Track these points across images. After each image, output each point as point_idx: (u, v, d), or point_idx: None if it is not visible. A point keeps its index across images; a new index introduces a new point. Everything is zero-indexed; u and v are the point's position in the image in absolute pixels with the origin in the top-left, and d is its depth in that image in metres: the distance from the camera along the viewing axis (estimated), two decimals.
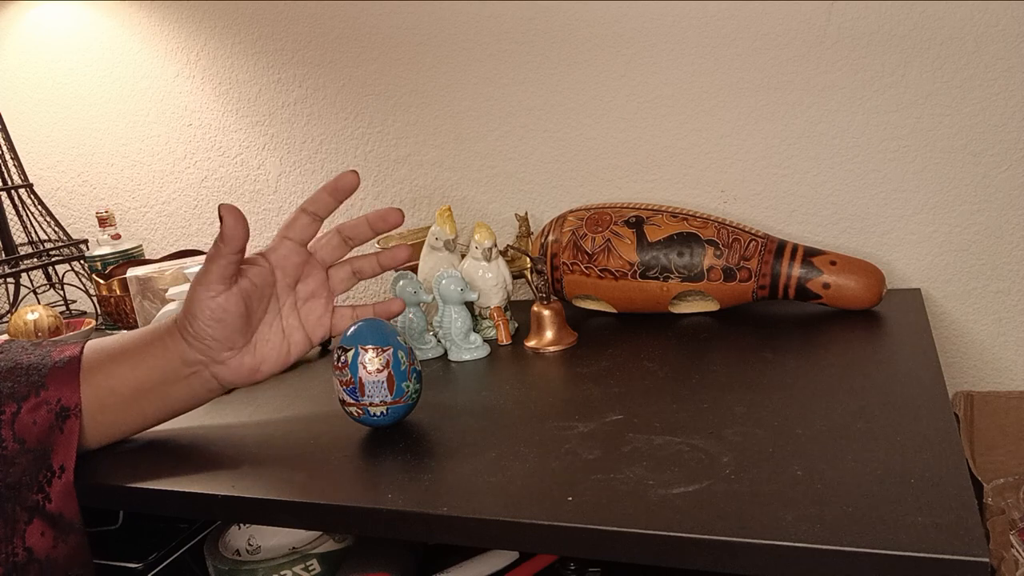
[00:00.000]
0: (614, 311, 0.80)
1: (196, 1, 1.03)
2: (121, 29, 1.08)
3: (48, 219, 1.13)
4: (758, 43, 0.81)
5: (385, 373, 0.55)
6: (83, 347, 0.59)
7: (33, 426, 0.55)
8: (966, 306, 0.81)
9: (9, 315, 1.04)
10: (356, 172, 0.58)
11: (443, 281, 0.72)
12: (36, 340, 0.61)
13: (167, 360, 0.58)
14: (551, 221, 0.80)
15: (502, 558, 0.70)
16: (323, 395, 0.68)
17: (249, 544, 0.74)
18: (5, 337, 0.98)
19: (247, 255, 0.58)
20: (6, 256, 1.09)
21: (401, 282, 0.73)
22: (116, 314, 0.98)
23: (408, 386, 0.56)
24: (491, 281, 0.76)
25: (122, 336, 0.60)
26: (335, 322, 0.62)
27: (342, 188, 0.58)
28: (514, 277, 0.84)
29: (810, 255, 0.72)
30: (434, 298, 0.74)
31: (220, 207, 0.54)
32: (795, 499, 0.41)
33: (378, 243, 0.91)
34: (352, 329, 0.57)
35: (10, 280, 1.11)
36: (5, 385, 0.55)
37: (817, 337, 0.67)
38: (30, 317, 0.96)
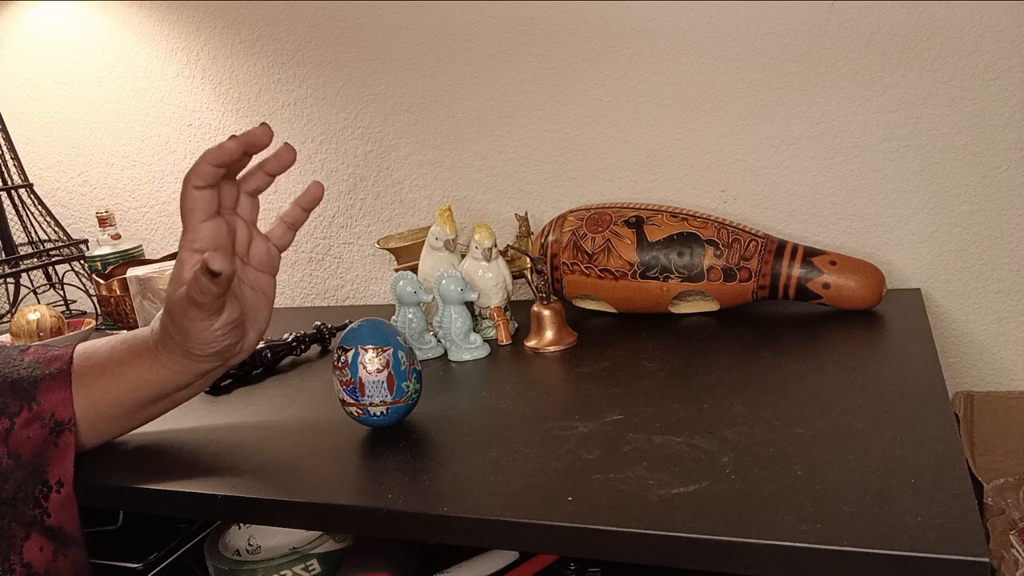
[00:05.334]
0: (614, 311, 0.79)
1: (196, 1, 1.03)
2: (121, 29, 1.08)
3: (48, 219, 1.13)
4: (758, 43, 0.81)
5: (385, 373, 0.55)
6: (71, 357, 0.57)
7: (27, 441, 0.54)
8: (966, 306, 0.81)
9: (9, 315, 1.04)
10: (267, 125, 0.52)
11: (443, 281, 0.72)
12: (23, 347, 0.60)
13: (178, 375, 0.56)
14: (551, 221, 0.80)
15: (502, 558, 0.70)
16: (323, 395, 0.68)
17: (249, 544, 0.74)
18: (6, 338, 0.98)
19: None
20: (6, 256, 1.09)
21: (401, 282, 0.73)
22: (116, 314, 0.98)
23: (408, 386, 0.56)
24: (491, 281, 0.76)
25: (123, 348, 0.57)
26: (275, 242, 0.58)
27: (254, 143, 0.51)
28: (514, 277, 0.84)
29: (810, 255, 0.72)
30: (434, 298, 0.74)
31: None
32: (795, 499, 0.41)
33: (378, 243, 0.91)
34: (352, 329, 0.56)
35: (10, 280, 1.11)
36: None
37: (817, 337, 0.67)
38: (32, 317, 0.96)
